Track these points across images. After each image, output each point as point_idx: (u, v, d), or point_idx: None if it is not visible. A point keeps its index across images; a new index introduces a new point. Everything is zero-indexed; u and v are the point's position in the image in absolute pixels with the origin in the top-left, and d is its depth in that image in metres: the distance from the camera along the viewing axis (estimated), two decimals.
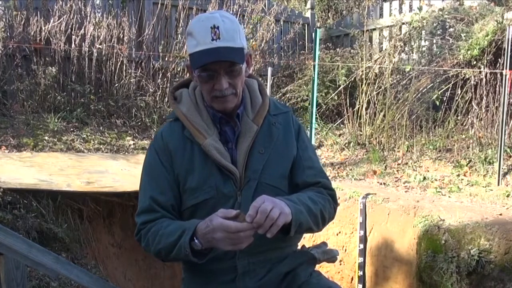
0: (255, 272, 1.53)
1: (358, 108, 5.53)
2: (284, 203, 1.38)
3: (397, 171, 4.64)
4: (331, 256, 1.68)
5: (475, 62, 5.01)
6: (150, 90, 5.45)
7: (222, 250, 1.38)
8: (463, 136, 4.90)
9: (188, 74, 5.81)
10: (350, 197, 3.83)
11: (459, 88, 5.02)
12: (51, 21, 4.97)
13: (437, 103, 5.16)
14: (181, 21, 5.79)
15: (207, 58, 1.43)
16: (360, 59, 5.90)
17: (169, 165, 1.54)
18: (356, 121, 5.52)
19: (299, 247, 1.68)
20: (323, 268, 3.52)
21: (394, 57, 5.66)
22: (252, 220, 1.30)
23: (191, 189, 1.51)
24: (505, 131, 4.26)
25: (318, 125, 5.79)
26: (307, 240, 3.54)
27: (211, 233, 1.34)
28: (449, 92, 5.09)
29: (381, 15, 6.76)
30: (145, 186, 1.57)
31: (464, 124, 5.02)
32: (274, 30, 6.54)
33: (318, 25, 7.96)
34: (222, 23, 1.44)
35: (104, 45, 5.18)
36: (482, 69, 4.92)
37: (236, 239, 1.32)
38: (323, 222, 1.55)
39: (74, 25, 5.06)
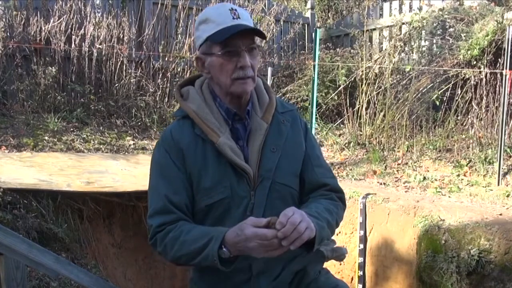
0: (270, 272, 1.51)
1: (358, 108, 5.53)
2: (309, 218, 1.37)
3: (397, 171, 4.64)
4: (339, 254, 1.66)
5: (475, 62, 5.01)
6: (150, 90, 5.45)
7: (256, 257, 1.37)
8: (463, 136, 4.90)
9: (188, 74, 5.73)
10: (350, 197, 3.83)
11: (459, 88, 5.02)
12: (51, 21, 4.98)
13: (437, 103, 5.16)
14: (181, 21, 5.80)
15: (234, 30, 1.44)
16: (360, 59, 5.90)
17: (181, 164, 1.50)
18: (356, 121, 5.52)
19: None
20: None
21: (394, 57, 5.66)
22: (282, 227, 1.29)
23: (206, 189, 1.48)
24: (505, 131, 4.26)
25: (318, 125, 5.79)
26: None
27: (244, 242, 1.32)
28: (449, 92, 5.09)
29: (381, 15, 6.76)
30: (158, 187, 1.51)
31: (464, 124, 5.02)
32: (274, 30, 6.54)
33: (318, 25, 7.96)
34: (238, 8, 1.50)
35: (104, 45, 5.18)
36: (482, 69, 4.92)
37: (271, 246, 1.31)
38: (336, 228, 1.58)
39: (74, 25, 5.06)
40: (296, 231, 1.29)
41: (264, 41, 6.26)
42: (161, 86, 5.53)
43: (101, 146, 4.53)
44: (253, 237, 1.31)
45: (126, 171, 3.77)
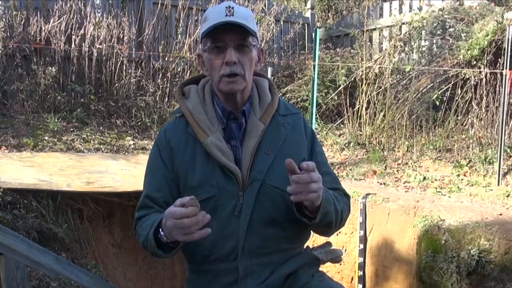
0: (257, 274, 1.49)
1: (358, 108, 5.53)
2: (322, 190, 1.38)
3: (397, 171, 4.64)
4: (335, 256, 1.65)
5: (475, 62, 5.01)
6: (150, 90, 5.45)
7: (183, 241, 1.32)
8: (463, 136, 4.90)
9: (188, 74, 5.72)
10: (350, 197, 3.82)
11: (459, 88, 5.02)
12: (51, 21, 4.98)
13: (437, 103, 5.16)
14: (181, 21, 5.80)
15: (219, 24, 1.43)
16: (360, 59, 5.90)
17: (169, 162, 1.53)
18: (356, 121, 5.52)
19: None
20: (323, 268, 3.52)
21: (394, 57, 5.66)
22: (303, 170, 1.29)
23: (193, 187, 1.49)
24: (505, 131, 4.26)
25: (318, 125, 5.79)
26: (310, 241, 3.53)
27: (165, 223, 1.31)
28: (449, 92, 5.09)
29: (381, 15, 6.76)
30: (146, 182, 1.57)
31: (464, 124, 5.02)
32: (274, 30, 6.55)
33: (318, 25, 7.96)
34: (237, 6, 1.48)
35: (104, 45, 5.18)
36: (482, 69, 4.92)
37: (184, 227, 1.26)
38: (340, 223, 1.55)
39: (74, 25, 5.06)
40: (308, 185, 1.30)
41: (264, 40, 6.27)
42: (161, 86, 5.53)
43: (101, 146, 4.53)
44: (168, 215, 1.29)
45: (126, 171, 3.77)
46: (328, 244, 1.66)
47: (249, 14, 1.50)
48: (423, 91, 5.28)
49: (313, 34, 5.73)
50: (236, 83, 1.48)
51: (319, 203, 1.38)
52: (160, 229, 1.36)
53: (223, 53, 1.46)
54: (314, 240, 3.68)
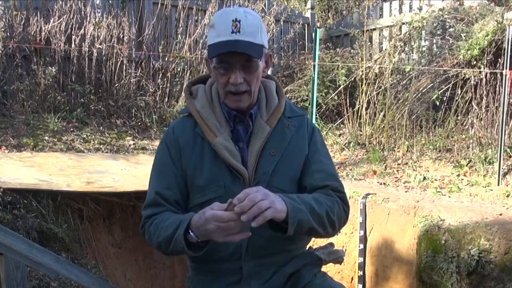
0: (261, 274, 1.51)
1: (358, 108, 5.53)
2: (281, 199, 1.34)
3: (397, 171, 4.64)
4: (337, 257, 1.67)
5: (475, 62, 5.01)
6: (150, 90, 5.45)
7: (217, 241, 1.35)
8: (463, 136, 4.90)
9: (188, 74, 5.73)
10: (350, 197, 3.83)
11: (459, 88, 5.02)
12: (51, 21, 4.98)
13: (437, 103, 5.16)
14: (181, 21, 5.80)
15: (224, 49, 1.42)
16: (360, 59, 5.90)
17: (178, 161, 1.53)
18: (356, 121, 5.52)
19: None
20: (323, 268, 3.51)
21: (394, 57, 5.66)
22: (239, 203, 1.28)
23: (200, 187, 1.51)
24: (505, 131, 4.26)
25: (318, 125, 5.79)
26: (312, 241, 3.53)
27: (204, 225, 1.33)
28: (449, 92, 5.09)
29: (381, 15, 6.76)
30: (153, 180, 1.57)
31: (464, 124, 5.02)
32: (274, 30, 6.55)
33: (318, 25, 7.96)
34: (245, 18, 1.45)
35: (104, 45, 5.18)
36: (482, 69, 4.92)
37: (228, 229, 1.30)
38: (331, 224, 1.48)
39: (74, 25, 5.06)
40: (256, 207, 1.27)
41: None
42: (161, 86, 5.53)
43: (101, 146, 4.53)
44: (210, 219, 1.31)
45: (126, 171, 3.77)
46: (331, 244, 1.67)
47: (257, 25, 1.47)
48: (423, 91, 5.28)
49: (313, 34, 5.73)
50: (242, 101, 1.50)
51: (285, 215, 1.34)
52: (190, 230, 1.38)
53: (228, 72, 1.46)
54: (315, 240, 3.68)
